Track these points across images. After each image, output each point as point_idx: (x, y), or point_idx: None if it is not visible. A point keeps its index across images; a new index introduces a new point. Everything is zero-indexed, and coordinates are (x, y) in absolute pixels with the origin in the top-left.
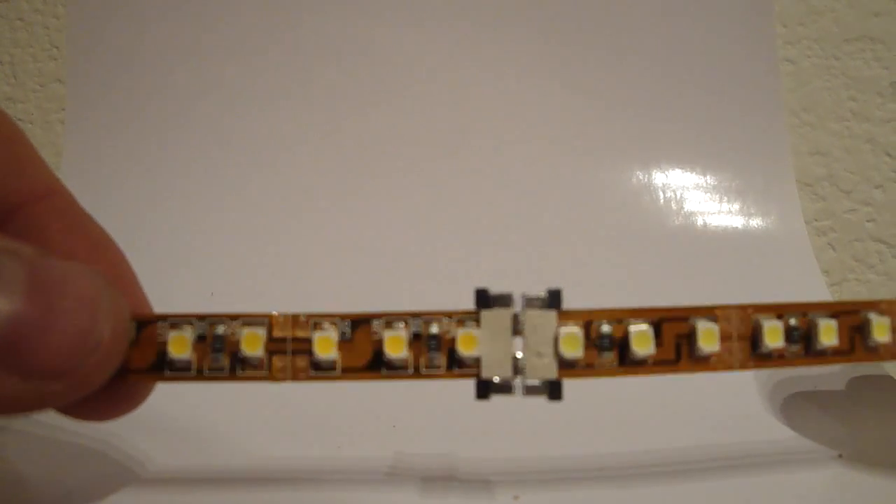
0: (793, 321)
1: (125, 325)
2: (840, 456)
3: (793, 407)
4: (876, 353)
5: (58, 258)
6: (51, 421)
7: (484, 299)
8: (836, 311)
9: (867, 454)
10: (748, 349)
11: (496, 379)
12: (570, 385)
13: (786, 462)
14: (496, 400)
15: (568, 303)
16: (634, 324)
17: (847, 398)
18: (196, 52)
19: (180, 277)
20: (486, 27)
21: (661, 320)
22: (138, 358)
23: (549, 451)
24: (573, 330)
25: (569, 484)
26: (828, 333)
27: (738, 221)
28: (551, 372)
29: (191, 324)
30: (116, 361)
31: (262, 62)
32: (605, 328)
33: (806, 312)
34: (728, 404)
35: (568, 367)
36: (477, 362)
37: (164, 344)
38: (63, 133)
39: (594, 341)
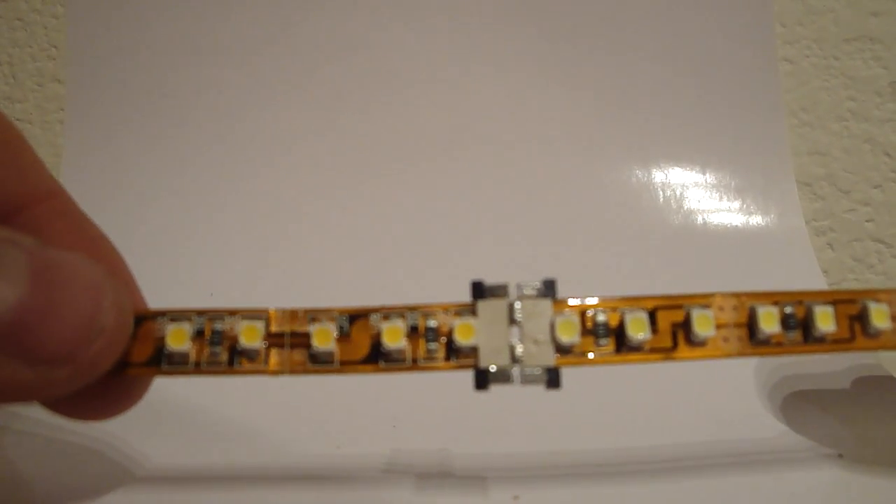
0: (788, 308)
1: (127, 312)
2: (841, 455)
3: (793, 406)
4: (877, 339)
5: (59, 248)
6: (50, 421)
7: (480, 291)
8: (832, 299)
9: (868, 454)
10: (745, 336)
11: (493, 368)
12: (569, 382)
13: (786, 461)
14: (495, 396)
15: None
16: (630, 311)
17: (847, 398)
18: (195, 52)
19: (180, 277)
20: (485, 25)
21: (655, 308)
22: (137, 352)
23: (547, 448)
24: (569, 316)
25: (567, 481)
26: (824, 319)
27: (737, 220)
28: (549, 358)
29: (189, 319)
30: (120, 348)
31: (260, 62)
32: (601, 317)
33: (802, 300)
34: (728, 403)
35: (565, 353)
36: (474, 352)
37: (163, 339)
38: (62, 133)
39: (590, 329)
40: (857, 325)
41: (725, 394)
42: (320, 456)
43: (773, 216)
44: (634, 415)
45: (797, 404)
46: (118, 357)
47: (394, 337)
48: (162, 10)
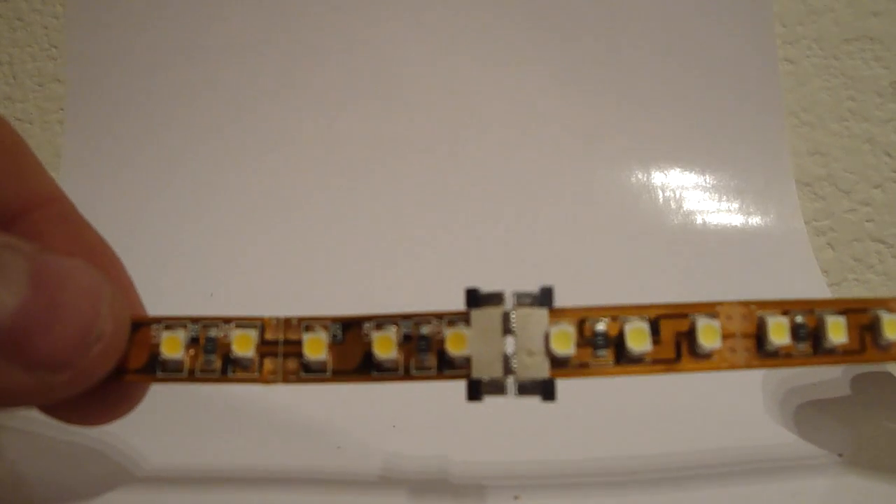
0: (799, 318)
1: (126, 318)
2: (841, 456)
3: (793, 407)
4: (888, 352)
5: (58, 254)
6: (50, 421)
7: (474, 298)
8: (843, 308)
9: (868, 455)
10: (753, 347)
11: (486, 379)
12: (570, 387)
13: (786, 461)
14: (493, 402)
15: (566, 303)
16: (630, 321)
17: (847, 398)
18: (194, 53)
19: (179, 277)
20: (483, 25)
21: (658, 317)
22: (132, 359)
23: (547, 455)
24: (564, 327)
25: (567, 489)
26: (836, 330)
27: (737, 221)
28: (543, 371)
29: (184, 326)
30: (117, 354)
31: (259, 62)
32: (600, 326)
33: (812, 309)
34: (728, 406)
35: (560, 365)
36: (467, 362)
37: (158, 346)
38: (62, 133)
39: (588, 339)
40: (867, 336)
41: (725, 397)
42: (320, 456)
43: (772, 216)
44: (635, 419)
45: (798, 405)
46: (116, 363)
47: (385, 348)
48: (161, 11)
